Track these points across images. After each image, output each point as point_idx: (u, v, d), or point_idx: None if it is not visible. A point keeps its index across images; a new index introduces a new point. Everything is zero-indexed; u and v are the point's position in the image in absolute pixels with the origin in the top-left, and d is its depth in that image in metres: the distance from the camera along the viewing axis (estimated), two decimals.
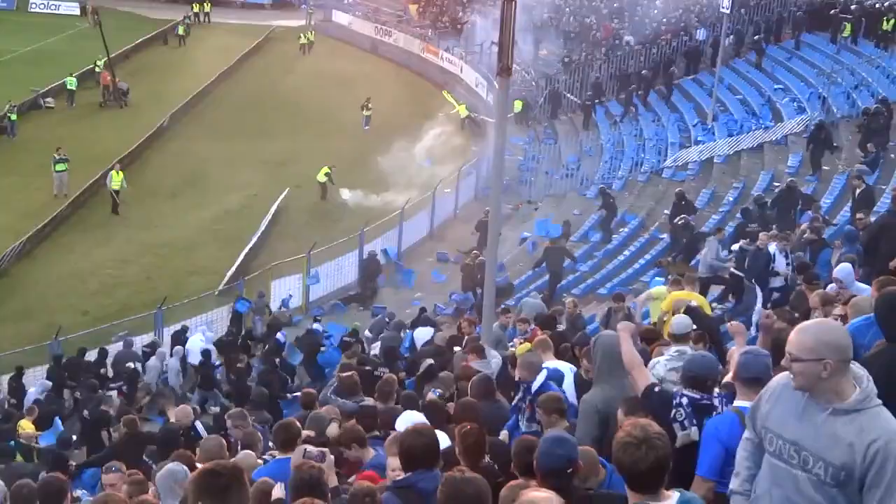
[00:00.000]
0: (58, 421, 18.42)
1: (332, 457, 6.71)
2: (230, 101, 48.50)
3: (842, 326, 4.94)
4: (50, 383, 20.88)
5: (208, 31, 63.26)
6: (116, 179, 34.08)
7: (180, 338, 23.15)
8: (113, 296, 28.34)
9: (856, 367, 4.47)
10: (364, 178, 36.44)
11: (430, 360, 13.16)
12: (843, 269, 11.51)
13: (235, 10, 70.34)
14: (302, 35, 60.56)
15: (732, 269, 18.74)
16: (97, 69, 48.10)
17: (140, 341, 23.38)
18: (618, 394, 7.27)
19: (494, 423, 8.55)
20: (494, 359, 11.23)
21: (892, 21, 35.94)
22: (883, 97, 29.64)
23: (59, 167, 34.84)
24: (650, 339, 10.16)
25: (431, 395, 10.37)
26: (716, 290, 19.83)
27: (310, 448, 6.62)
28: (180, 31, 59.83)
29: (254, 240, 31.20)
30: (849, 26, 37.07)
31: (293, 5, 72.52)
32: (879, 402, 4.39)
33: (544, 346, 10.32)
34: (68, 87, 46.26)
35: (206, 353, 21.37)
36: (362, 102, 45.22)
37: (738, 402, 6.04)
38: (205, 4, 67.22)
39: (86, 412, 17.66)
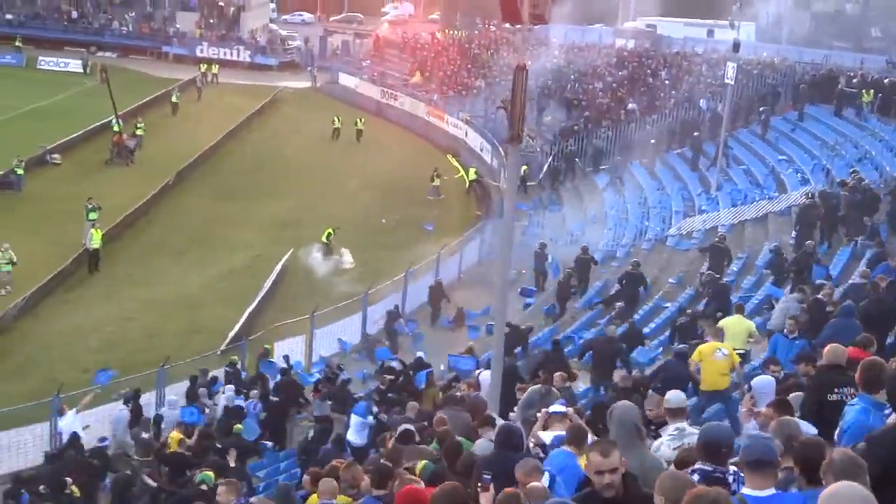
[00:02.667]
0: None
1: None
2: (236, 161, 48.83)
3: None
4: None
5: (215, 91, 63.75)
6: (96, 238, 33.92)
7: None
8: (114, 353, 28.11)
9: None
10: (367, 240, 36.49)
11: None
12: (761, 382, 11.51)
13: (243, 70, 71.01)
14: (336, 119, 55.00)
15: None
16: (116, 129, 48.31)
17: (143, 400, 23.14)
18: (636, 464, 7.19)
19: None
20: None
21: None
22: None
23: (92, 216, 35.22)
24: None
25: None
26: None
27: None
28: (174, 98, 57.72)
29: (257, 300, 31.15)
30: (867, 94, 37.51)
31: (299, 66, 73.29)
32: None
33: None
34: None
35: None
36: (431, 173, 45.19)
37: (745, 490, 5.91)
38: (212, 66, 67.76)
39: None
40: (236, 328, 28.66)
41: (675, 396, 9.40)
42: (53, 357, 27.75)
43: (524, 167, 42.02)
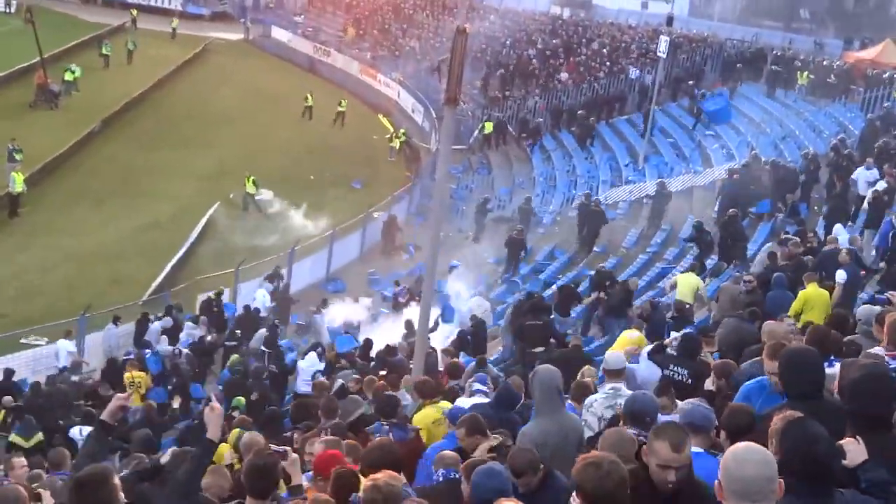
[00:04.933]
0: None
1: (296, 456, 6.87)
2: (164, 111, 47.99)
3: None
4: None
5: (143, 38, 62.47)
6: (18, 182, 33.26)
7: None
8: (33, 302, 27.67)
9: None
10: (295, 196, 36.31)
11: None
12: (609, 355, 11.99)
13: (173, 19, 69.67)
14: (308, 96, 50.26)
15: None
16: (70, 76, 47.72)
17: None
18: (556, 428, 7.35)
19: None
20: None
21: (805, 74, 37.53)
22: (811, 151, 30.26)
23: (18, 156, 34.79)
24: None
25: None
26: None
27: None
28: (105, 49, 55.07)
29: (181, 252, 30.84)
30: (804, 74, 38.12)
31: (232, 18, 72.23)
32: None
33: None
34: None
35: None
36: (391, 133, 45.00)
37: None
38: (133, 10, 66.51)
39: None
40: (159, 280, 28.38)
41: (614, 357, 9.62)
42: None
43: (489, 122, 42.40)
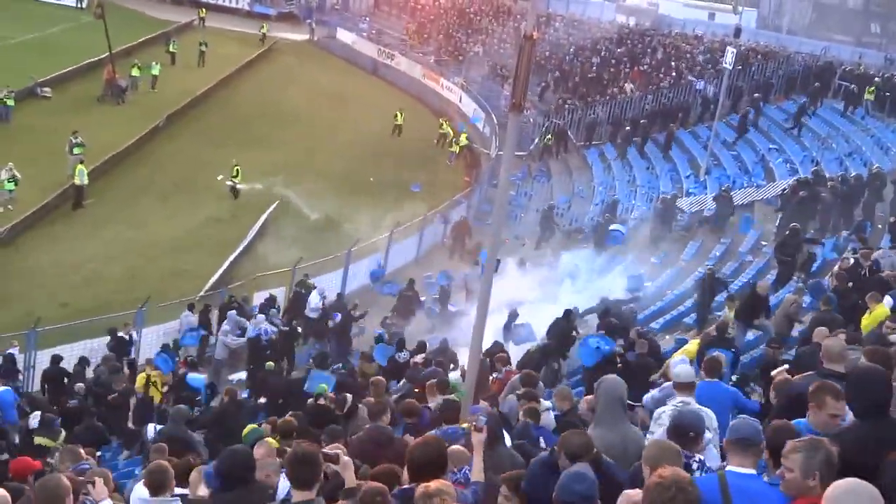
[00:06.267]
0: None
1: (349, 459, 6.86)
2: (229, 109, 48.52)
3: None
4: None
5: (209, 36, 63.19)
6: (85, 173, 33.97)
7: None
8: (94, 291, 28.18)
9: None
10: (354, 197, 36.43)
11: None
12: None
13: (240, 18, 70.48)
14: (399, 114, 48.10)
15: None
16: (137, 72, 48.68)
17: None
18: (618, 439, 7.29)
19: None
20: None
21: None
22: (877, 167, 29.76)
23: (77, 150, 35.26)
24: None
25: None
26: None
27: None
28: (172, 47, 55.89)
29: (240, 248, 31.14)
30: (871, 90, 37.50)
31: (298, 19, 72.77)
32: None
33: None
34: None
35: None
36: (450, 138, 45.36)
37: (729, 467, 6.02)
38: (202, 10, 67.25)
39: None
40: (217, 274, 28.67)
41: (684, 370, 9.32)
42: (32, 290, 27.69)
43: None
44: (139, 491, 8.10)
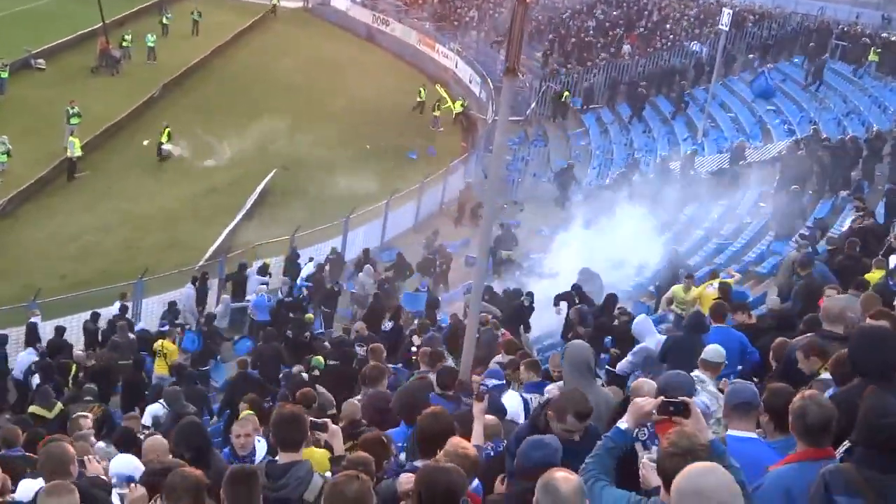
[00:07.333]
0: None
1: (337, 427, 6.93)
2: (223, 79, 48.30)
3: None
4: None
5: (205, 6, 62.78)
6: (77, 146, 33.85)
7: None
8: (92, 262, 28.21)
9: None
10: (351, 164, 36.35)
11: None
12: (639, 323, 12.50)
13: None
14: (421, 90, 47.11)
15: None
16: (127, 42, 48.51)
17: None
18: (592, 401, 7.32)
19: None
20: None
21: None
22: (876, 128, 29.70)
23: (74, 120, 35.29)
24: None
25: None
26: None
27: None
28: (164, 20, 54.41)
29: (237, 218, 31.11)
30: (874, 50, 37.30)
31: None
32: None
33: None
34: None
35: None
36: (433, 102, 44.96)
37: (729, 431, 6.05)
38: None
39: None
40: (216, 244, 28.66)
41: (713, 350, 8.93)
42: (31, 262, 27.71)
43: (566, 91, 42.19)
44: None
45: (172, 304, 23.80)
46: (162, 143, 36.59)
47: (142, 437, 10.63)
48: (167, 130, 36.88)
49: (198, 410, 14.10)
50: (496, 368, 11.68)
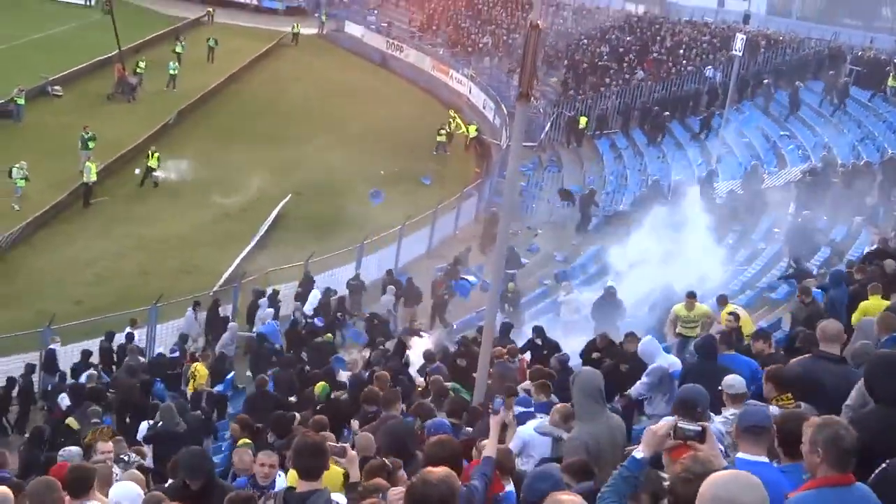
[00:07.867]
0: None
1: (355, 453, 6.95)
2: (239, 105, 48.57)
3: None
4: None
5: (220, 33, 63.28)
6: (93, 172, 33.94)
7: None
8: (107, 288, 28.29)
9: None
10: (365, 190, 36.40)
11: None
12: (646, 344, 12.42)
13: (249, 13, 70.56)
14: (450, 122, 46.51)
15: None
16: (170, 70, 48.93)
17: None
18: (603, 429, 7.31)
19: None
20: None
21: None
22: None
23: (91, 145, 35.58)
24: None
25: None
26: None
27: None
28: (178, 48, 54.42)
29: (252, 244, 31.19)
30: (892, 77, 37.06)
31: (306, 12, 72.74)
32: None
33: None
34: None
35: None
36: (437, 128, 44.87)
37: (739, 454, 5.97)
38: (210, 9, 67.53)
39: None
40: (230, 270, 28.72)
41: (737, 382, 8.68)
42: (46, 288, 27.82)
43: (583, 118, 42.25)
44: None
45: (184, 336, 23.96)
46: (152, 169, 36.47)
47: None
48: (156, 155, 36.73)
49: (197, 437, 14.13)
50: (524, 396, 11.63)
